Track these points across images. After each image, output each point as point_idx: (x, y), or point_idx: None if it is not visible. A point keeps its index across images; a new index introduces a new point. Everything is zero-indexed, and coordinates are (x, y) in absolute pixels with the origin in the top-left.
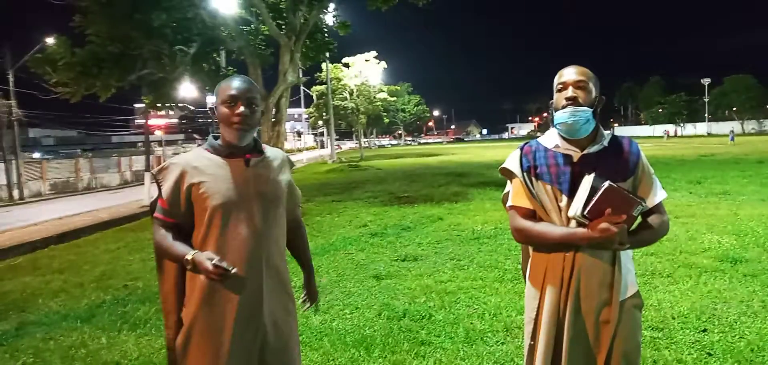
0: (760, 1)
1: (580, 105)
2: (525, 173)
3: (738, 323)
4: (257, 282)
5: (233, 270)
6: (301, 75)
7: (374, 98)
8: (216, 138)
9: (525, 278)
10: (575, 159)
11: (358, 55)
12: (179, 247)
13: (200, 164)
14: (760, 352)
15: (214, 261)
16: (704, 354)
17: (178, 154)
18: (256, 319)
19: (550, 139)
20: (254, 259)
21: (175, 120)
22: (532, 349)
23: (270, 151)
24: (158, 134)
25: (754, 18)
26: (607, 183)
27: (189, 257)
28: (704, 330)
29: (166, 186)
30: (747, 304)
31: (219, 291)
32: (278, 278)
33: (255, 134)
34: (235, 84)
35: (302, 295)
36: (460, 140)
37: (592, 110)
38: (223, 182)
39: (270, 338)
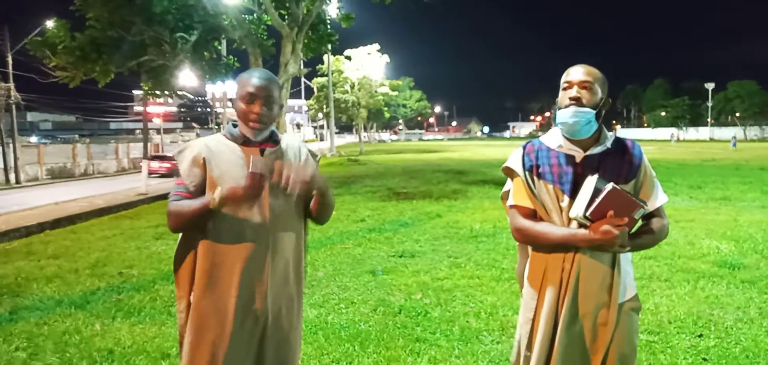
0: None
1: (583, 106)
2: (527, 172)
3: (734, 329)
4: (261, 271)
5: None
6: (302, 66)
7: (375, 91)
8: (235, 126)
9: (521, 282)
10: (578, 160)
11: (361, 48)
12: (196, 201)
13: (217, 148)
14: (755, 359)
15: (247, 172)
16: (699, 359)
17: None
18: (258, 307)
19: (553, 138)
20: (260, 247)
21: (174, 108)
22: (528, 350)
23: (288, 142)
24: (156, 121)
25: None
26: (610, 185)
27: (215, 196)
28: (700, 336)
29: (184, 166)
30: (743, 310)
31: (222, 275)
32: (286, 269)
33: (273, 127)
34: (254, 81)
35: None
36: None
37: (594, 111)
38: (237, 168)
39: (271, 328)
